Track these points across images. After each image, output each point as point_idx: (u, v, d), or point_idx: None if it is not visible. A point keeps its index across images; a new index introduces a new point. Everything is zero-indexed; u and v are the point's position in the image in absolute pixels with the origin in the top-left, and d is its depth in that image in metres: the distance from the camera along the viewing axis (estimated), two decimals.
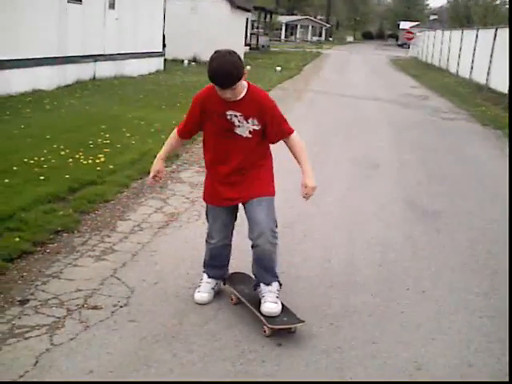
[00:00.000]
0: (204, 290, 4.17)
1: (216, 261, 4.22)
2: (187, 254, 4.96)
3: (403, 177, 8.27)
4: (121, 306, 4.05)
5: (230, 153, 3.83)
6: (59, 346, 3.54)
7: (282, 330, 3.79)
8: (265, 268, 3.93)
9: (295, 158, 3.90)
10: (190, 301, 4.18)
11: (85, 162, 7.34)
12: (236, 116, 3.72)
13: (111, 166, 7.26)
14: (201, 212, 5.88)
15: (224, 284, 4.30)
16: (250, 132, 3.77)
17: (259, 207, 3.83)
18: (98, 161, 7.45)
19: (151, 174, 4.05)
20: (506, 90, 16.78)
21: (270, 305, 3.84)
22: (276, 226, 3.88)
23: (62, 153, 7.66)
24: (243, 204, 3.94)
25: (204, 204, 4.18)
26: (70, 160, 7.36)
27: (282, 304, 3.91)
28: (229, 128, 3.75)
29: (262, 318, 3.80)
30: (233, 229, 4.16)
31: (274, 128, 3.82)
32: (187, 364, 3.49)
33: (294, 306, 4.04)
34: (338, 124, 12.62)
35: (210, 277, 4.22)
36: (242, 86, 3.70)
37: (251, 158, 3.85)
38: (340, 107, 15.42)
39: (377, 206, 6.74)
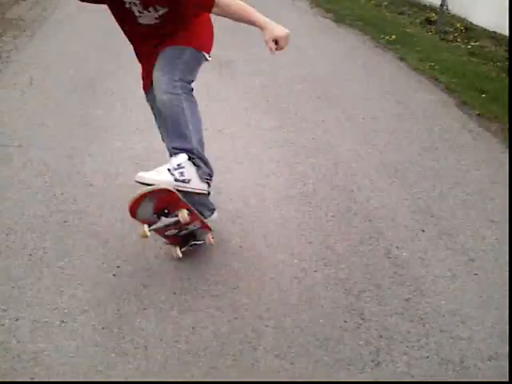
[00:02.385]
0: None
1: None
2: None
3: None
4: None
5: (143, 40, 3.06)
6: None
7: None
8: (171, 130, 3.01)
9: (239, 18, 2.88)
10: None
11: None
12: (135, 4, 2.86)
13: None
14: None
15: None
16: (156, 18, 2.92)
17: (161, 56, 3.00)
18: None
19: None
20: None
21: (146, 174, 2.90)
22: (182, 80, 2.96)
23: None
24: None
25: None
26: None
27: None
28: (131, 19, 2.94)
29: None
30: None
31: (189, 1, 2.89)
32: (4, 211, 3.67)
33: None
34: None
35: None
36: None
37: (168, 34, 3.00)
38: None
39: None
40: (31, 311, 2.85)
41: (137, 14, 2.90)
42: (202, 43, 3.08)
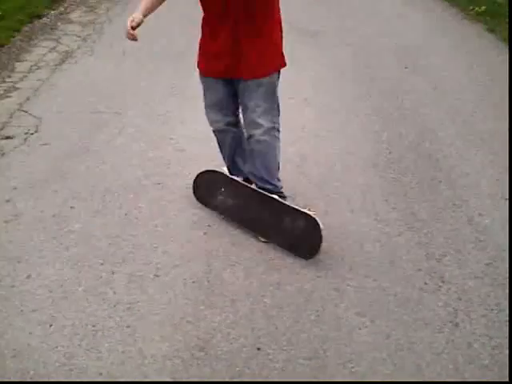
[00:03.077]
0: None
1: (224, 151, 3.51)
2: (85, 86, 5.26)
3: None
4: (31, 134, 4.37)
5: (223, 7, 2.94)
6: None
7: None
8: (264, 166, 3.33)
9: None
10: (94, 123, 4.54)
11: None
12: None
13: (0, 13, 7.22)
14: (93, 48, 6.15)
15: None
16: None
17: (259, 92, 3.11)
18: None
19: (128, 23, 2.92)
20: None
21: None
22: (279, 112, 3.23)
23: None
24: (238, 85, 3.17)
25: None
26: None
27: None
28: None
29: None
30: (237, 109, 3.33)
31: None
32: (100, 174, 3.90)
33: None
34: None
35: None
36: None
37: (250, 12, 2.93)
38: None
39: None
40: (126, 265, 3.05)
41: None
42: (283, 60, 3.18)
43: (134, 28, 2.93)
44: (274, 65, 3.13)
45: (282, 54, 3.16)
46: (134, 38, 2.96)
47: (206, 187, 3.51)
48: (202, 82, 3.27)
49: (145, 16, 2.98)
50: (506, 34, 6.94)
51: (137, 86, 5.30)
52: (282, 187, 3.41)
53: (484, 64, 6.08)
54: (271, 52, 3.11)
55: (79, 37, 6.70)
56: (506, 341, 2.63)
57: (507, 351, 2.58)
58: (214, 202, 3.45)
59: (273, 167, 3.34)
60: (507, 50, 6.47)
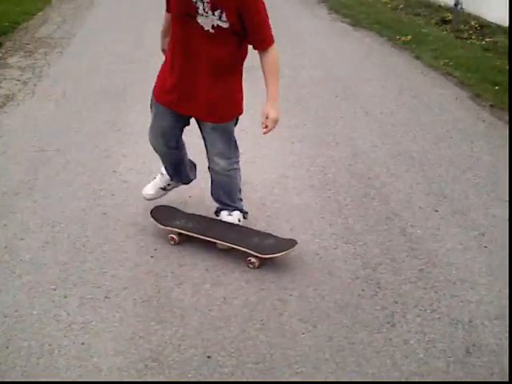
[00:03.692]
0: (151, 184, 3.87)
1: (164, 163, 3.75)
2: (28, 126, 5.37)
3: None
4: None
5: (190, 45, 3.12)
6: None
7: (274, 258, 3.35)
8: (226, 193, 3.62)
9: (265, 75, 3.20)
10: (38, 161, 4.64)
11: None
12: (202, 1, 2.98)
13: None
14: (34, 90, 6.29)
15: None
16: (213, 27, 3.02)
17: (212, 135, 3.37)
18: None
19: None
20: None
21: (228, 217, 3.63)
22: (236, 150, 3.54)
23: None
24: (196, 120, 3.42)
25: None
26: None
27: (263, 232, 3.57)
28: (190, 11, 3.02)
29: (246, 249, 3.33)
30: (180, 136, 3.55)
31: (252, 33, 3.10)
32: (48, 207, 4.00)
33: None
34: None
35: (163, 175, 3.84)
36: None
37: (213, 62, 3.14)
38: None
39: None
40: (78, 289, 3.16)
41: (200, 11, 2.99)
42: (240, 108, 3.42)
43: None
44: (231, 113, 3.38)
45: (241, 100, 3.39)
46: None
47: (162, 218, 3.66)
48: (152, 106, 3.43)
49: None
50: (430, 60, 7.37)
51: (78, 124, 5.43)
52: (242, 206, 3.68)
53: (412, 88, 6.44)
54: (231, 99, 3.35)
55: (19, 80, 6.79)
56: (439, 336, 2.83)
57: (440, 344, 2.78)
58: (173, 225, 3.58)
59: (234, 193, 3.61)
60: (432, 75, 6.87)
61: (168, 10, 3.33)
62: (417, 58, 7.72)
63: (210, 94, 3.22)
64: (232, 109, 3.36)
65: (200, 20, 3.02)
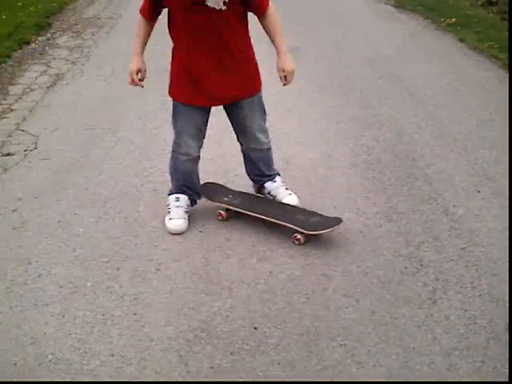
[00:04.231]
0: (177, 215, 3.56)
1: (189, 181, 3.61)
2: (78, 105, 5.55)
3: None
4: (31, 150, 4.62)
5: (204, 32, 3.07)
6: None
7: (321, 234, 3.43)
8: (266, 165, 3.71)
9: (269, 35, 3.23)
10: (89, 139, 4.80)
11: None
12: None
13: None
14: (82, 70, 6.47)
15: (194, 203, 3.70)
16: (224, 2, 2.98)
17: (251, 110, 3.42)
18: None
19: (129, 78, 3.38)
20: None
21: (292, 197, 3.74)
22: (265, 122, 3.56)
23: None
24: (226, 110, 3.46)
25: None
26: None
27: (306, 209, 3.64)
28: None
29: (292, 226, 3.40)
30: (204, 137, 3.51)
31: None
32: (99, 183, 4.15)
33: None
34: None
35: (178, 200, 3.61)
36: None
37: (232, 39, 3.14)
38: None
39: None
40: (130, 262, 3.30)
41: None
42: (260, 80, 3.43)
43: (142, 80, 3.39)
44: (259, 80, 3.42)
45: (257, 64, 3.41)
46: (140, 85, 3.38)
47: (211, 193, 3.77)
48: (177, 111, 3.38)
49: (142, 53, 3.33)
50: (475, 42, 7.32)
51: (127, 102, 5.57)
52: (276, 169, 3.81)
53: (456, 71, 6.43)
54: (255, 65, 3.40)
55: (68, 60, 6.99)
56: (479, 312, 2.90)
57: (480, 321, 2.85)
58: (221, 200, 3.69)
59: (271, 161, 3.76)
60: (477, 57, 6.83)
61: (148, 17, 3.26)
62: (461, 40, 7.68)
63: (240, 71, 3.26)
64: (258, 74, 3.40)
65: (210, 2, 2.97)
